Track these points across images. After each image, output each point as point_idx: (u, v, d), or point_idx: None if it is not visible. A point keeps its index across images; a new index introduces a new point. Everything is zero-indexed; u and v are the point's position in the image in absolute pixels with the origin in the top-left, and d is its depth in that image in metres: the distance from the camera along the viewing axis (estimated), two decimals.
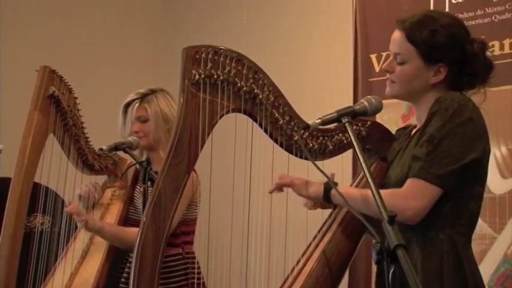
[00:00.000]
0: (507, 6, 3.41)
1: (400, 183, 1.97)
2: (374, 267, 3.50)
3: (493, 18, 3.45)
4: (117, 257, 2.85)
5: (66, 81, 2.72)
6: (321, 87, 4.14)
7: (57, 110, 2.68)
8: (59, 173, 2.70)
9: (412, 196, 1.89)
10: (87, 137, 2.80)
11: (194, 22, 5.10)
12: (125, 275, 2.93)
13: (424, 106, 2.02)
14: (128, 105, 2.94)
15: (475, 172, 1.94)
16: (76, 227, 2.85)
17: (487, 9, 3.48)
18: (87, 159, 2.80)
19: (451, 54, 1.98)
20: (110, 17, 5.08)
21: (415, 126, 2.14)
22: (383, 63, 3.72)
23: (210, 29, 4.89)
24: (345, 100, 3.56)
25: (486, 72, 2.02)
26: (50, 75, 2.67)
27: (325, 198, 2.03)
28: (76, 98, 2.77)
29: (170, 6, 5.34)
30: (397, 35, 2.03)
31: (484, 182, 2.00)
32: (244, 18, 4.58)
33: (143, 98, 2.92)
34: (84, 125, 2.81)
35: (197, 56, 1.96)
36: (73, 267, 2.72)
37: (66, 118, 2.70)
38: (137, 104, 2.90)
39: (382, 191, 1.74)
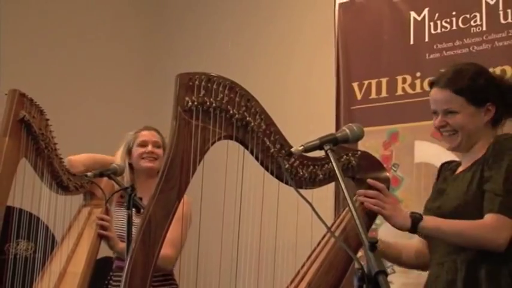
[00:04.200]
0: (484, 38, 3.47)
1: (456, 211, 2.11)
2: None
3: (470, 48, 3.52)
4: (95, 276, 2.82)
5: (36, 103, 2.67)
6: (304, 115, 4.17)
7: (29, 134, 2.62)
8: (33, 194, 2.66)
9: (500, 228, 2.03)
10: (61, 158, 2.76)
11: (180, 50, 5.13)
12: None
13: (477, 147, 2.19)
14: (141, 130, 3.16)
15: None
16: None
17: (465, 40, 3.54)
18: (61, 181, 2.76)
19: (493, 92, 2.18)
20: (97, 46, 5.09)
21: (460, 163, 2.28)
22: (365, 91, 3.81)
23: (196, 56, 4.93)
24: (327, 127, 3.58)
25: None
26: (19, 98, 2.60)
27: (412, 229, 2.09)
28: (48, 119, 2.71)
29: (157, 34, 5.36)
30: (441, 93, 2.19)
31: None
32: (229, 46, 4.61)
33: (156, 130, 3.17)
34: (73, 148, 2.80)
35: (190, 83, 1.96)
36: None
37: (38, 142, 2.65)
38: (153, 131, 3.15)
39: (465, 222, 2.03)
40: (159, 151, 3.09)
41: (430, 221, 2.09)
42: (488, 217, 2.04)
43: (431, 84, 2.24)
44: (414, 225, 2.07)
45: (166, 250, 2.71)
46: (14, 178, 2.54)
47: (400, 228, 2.11)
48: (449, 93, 2.16)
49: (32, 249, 3.16)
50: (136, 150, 3.10)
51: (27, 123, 2.61)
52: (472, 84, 2.16)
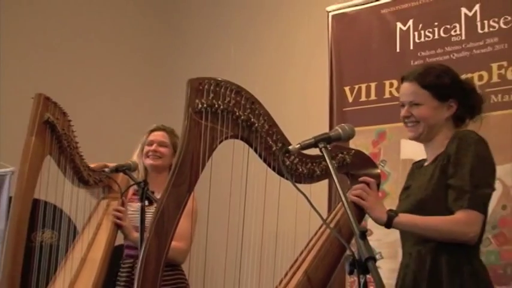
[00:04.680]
0: (463, 46, 3.46)
1: (419, 204, 2.09)
2: (348, 277, 3.53)
3: (451, 56, 3.50)
4: (112, 263, 2.84)
5: (60, 106, 2.68)
6: (300, 116, 4.16)
7: (53, 134, 2.63)
8: (56, 188, 2.66)
9: (471, 223, 2.00)
10: (82, 155, 2.76)
11: (187, 55, 5.11)
12: (123, 279, 2.91)
13: (437, 141, 2.17)
14: (153, 130, 3.14)
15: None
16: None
17: (446, 48, 3.53)
18: (82, 176, 2.76)
19: (457, 90, 2.16)
20: (110, 50, 5.07)
21: (425, 160, 2.26)
22: (356, 95, 3.81)
23: (202, 60, 4.92)
24: (321, 127, 3.56)
25: (481, 103, 2.21)
26: (44, 102, 2.61)
27: (387, 224, 2.07)
28: (70, 120, 2.72)
29: (167, 40, 5.35)
30: (409, 86, 2.19)
31: None
32: (232, 52, 4.60)
33: (166, 129, 3.13)
34: (88, 147, 2.79)
35: (200, 87, 1.95)
36: (72, 275, 2.66)
37: (61, 141, 2.66)
38: (162, 132, 3.12)
39: (438, 218, 2.00)
40: (164, 150, 3.07)
41: (405, 218, 2.07)
42: (459, 213, 2.00)
43: (402, 79, 2.23)
44: (389, 221, 2.06)
45: (179, 244, 2.71)
46: (39, 173, 2.54)
47: (376, 221, 2.10)
48: (416, 87, 2.15)
49: (55, 238, 3.16)
50: (145, 149, 3.10)
51: (51, 124, 2.62)
52: (438, 81, 2.15)
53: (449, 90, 2.15)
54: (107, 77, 4.98)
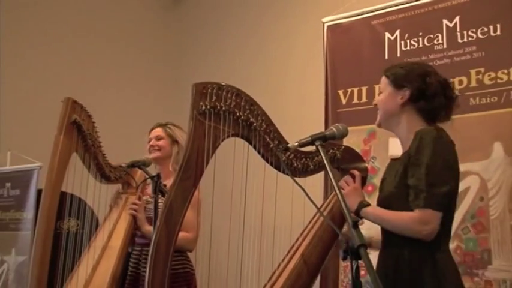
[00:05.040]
0: (445, 54, 3.43)
1: (388, 199, 2.00)
2: (341, 262, 3.51)
3: (434, 62, 3.46)
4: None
5: (85, 109, 2.69)
6: (298, 116, 4.14)
7: (79, 134, 2.65)
8: (81, 183, 2.67)
9: (426, 221, 1.88)
10: (104, 154, 2.77)
11: (197, 60, 5.11)
12: (131, 264, 2.90)
13: (403, 133, 2.06)
14: (151, 129, 3.13)
15: (454, 197, 1.98)
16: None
17: (429, 55, 3.49)
18: (104, 172, 2.77)
19: (412, 81, 2.02)
20: (125, 54, 5.04)
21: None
22: (348, 97, 3.78)
23: (209, 67, 4.92)
24: (317, 127, 3.53)
25: (449, 102, 2.04)
26: (72, 105, 2.63)
27: (356, 213, 2.00)
28: (94, 122, 2.74)
29: (177, 46, 5.34)
30: (381, 79, 2.12)
31: (455, 208, 2.02)
32: (237, 60, 4.59)
33: (161, 124, 3.11)
34: (104, 145, 2.79)
35: (204, 91, 1.94)
36: (94, 261, 2.67)
37: (86, 140, 2.67)
38: (157, 127, 3.10)
39: (399, 215, 1.91)
40: (160, 142, 3.03)
41: (371, 210, 1.99)
42: (416, 211, 1.88)
43: None
44: (358, 210, 1.99)
45: (188, 234, 2.69)
46: (66, 169, 2.56)
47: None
48: (383, 77, 2.09)
49: (79, 226, 3.17)
50: (147, 147, 3.09)
51: (78, 125, 2.63)
52: (397, 70, 2.06)
53: (404, 80, 2.02)
54: (124, 79, 4.96)
